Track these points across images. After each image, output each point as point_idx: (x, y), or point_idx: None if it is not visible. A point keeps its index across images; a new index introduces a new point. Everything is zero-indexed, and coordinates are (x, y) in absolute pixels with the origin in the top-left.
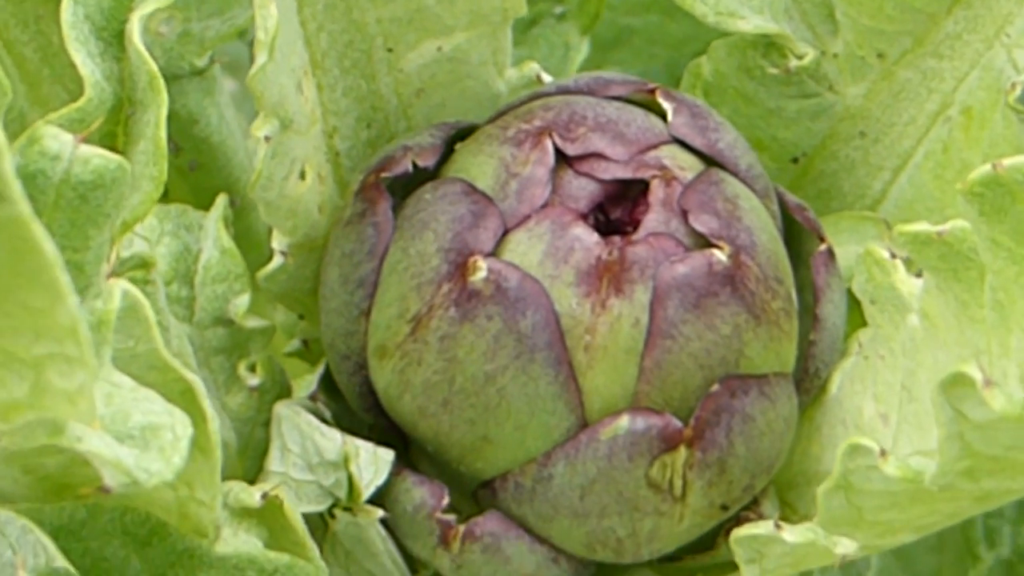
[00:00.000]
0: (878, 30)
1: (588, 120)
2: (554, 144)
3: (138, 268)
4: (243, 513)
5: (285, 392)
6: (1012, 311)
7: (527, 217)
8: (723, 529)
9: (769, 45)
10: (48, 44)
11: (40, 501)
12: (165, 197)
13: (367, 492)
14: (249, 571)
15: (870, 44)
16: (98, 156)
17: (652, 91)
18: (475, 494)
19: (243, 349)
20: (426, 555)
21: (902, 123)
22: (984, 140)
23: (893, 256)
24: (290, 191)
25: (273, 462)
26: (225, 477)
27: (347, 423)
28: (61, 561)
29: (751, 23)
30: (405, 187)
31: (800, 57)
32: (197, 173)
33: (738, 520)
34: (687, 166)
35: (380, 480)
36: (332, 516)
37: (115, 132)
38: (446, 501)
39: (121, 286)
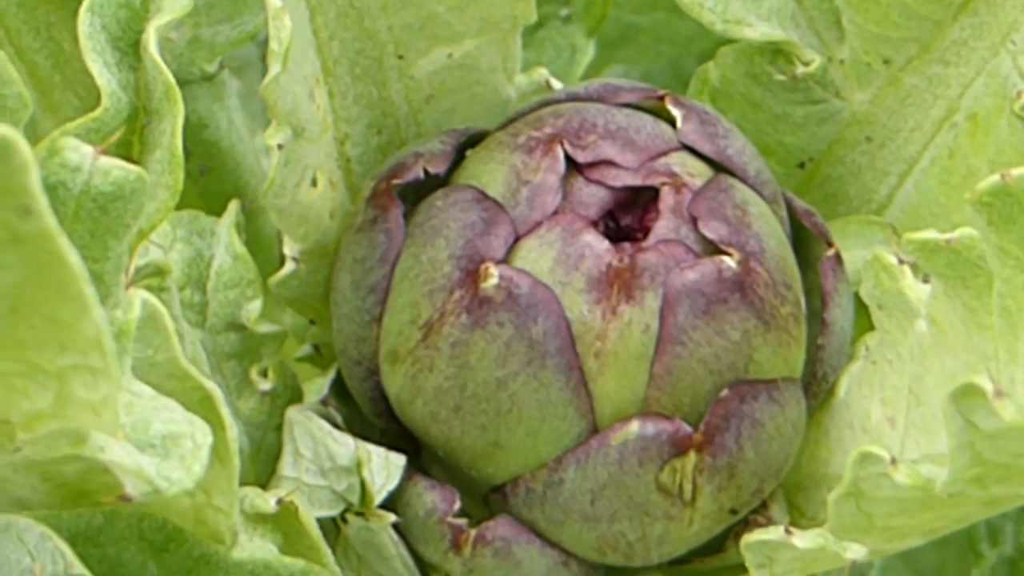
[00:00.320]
0: (884, 37)
1: (598, 127)
2: (564, 151)
3: (154, 276)
4: (258, 519)
5: (297, 397)
6: (1020, 318)
7: (538, 224)
8: (732, 532)
9: (776, 52)
10: (60, 51)
11: (58, 508)
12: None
13: (379, 497)
14: None
15: (876, 51)
16: (118, 168)
17: (661, 98)
18: (486, 499)
19: (255, 354)
20: (438, 559)
21: (908, 129)
22: (990, 146)
23: (901, 262)
24: (302, 198)
25: (286, 467)
26: (238, 481)
27: (358, 428)
28: (79, 567)
29: (758, 30)
30: (416, 193)
31: (807, 64)
32: (207, 177)
33: (747, 523)
34: (696, 173)
35: (392, 485)
36: (344, 521)
37: (131, 141)
38: (457, 506)
39: (140, 296)
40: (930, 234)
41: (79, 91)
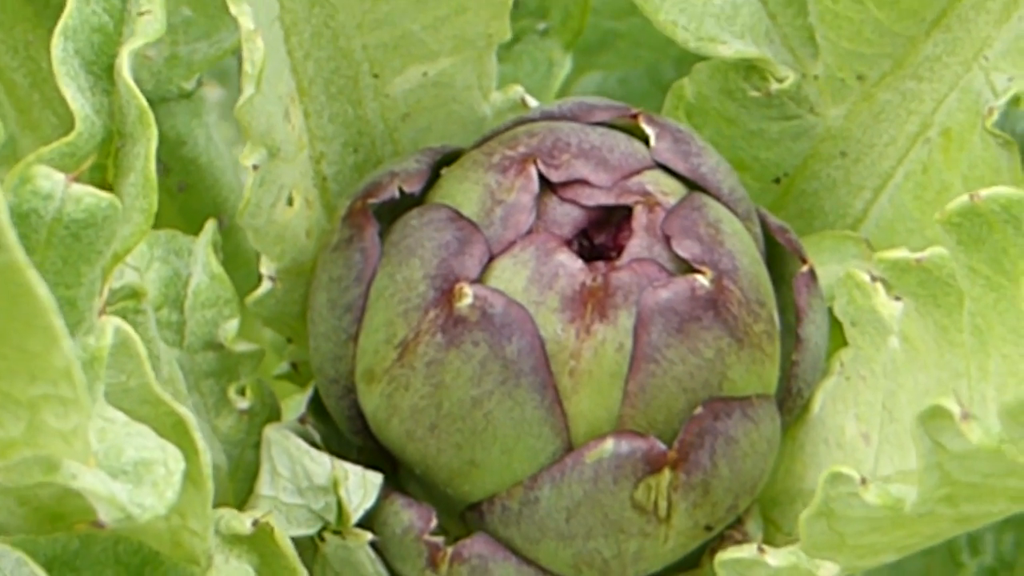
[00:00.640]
0: (858, 53)
1: (572, 146)
2: (538, 171)
3: (129, 298)
4: (234, 540)
5: (275, 415)
6: (990, 336)
7: (512, 243)
8: (708, 548)
9: (750, 68)
10: (38, 70)
11: (35, 532)
12: (154, 219)
13: (356, 515)
14: None
15: (850, 66)
16: (89, 195)
17: (635, 116)
18: (463, 516)
19: (233, 373)
20: None
21: (882, 144)
22: (963, 161)
23: (873, 279)
24: (278, 217)
25: (263, 486)
26: (216, 499)
27: (336, 446)
28: None
29: (732, 48)
30: (392, 212)
31: (781, 80)
32: (185, 194)
33: (723, 539)
34: (670, 191)
35: (369, 503)
36: (322, 539)
37: (105, 165)
38: (434, 523)
39: (113, 323)
40: (901, 253)
41: (58, 109)
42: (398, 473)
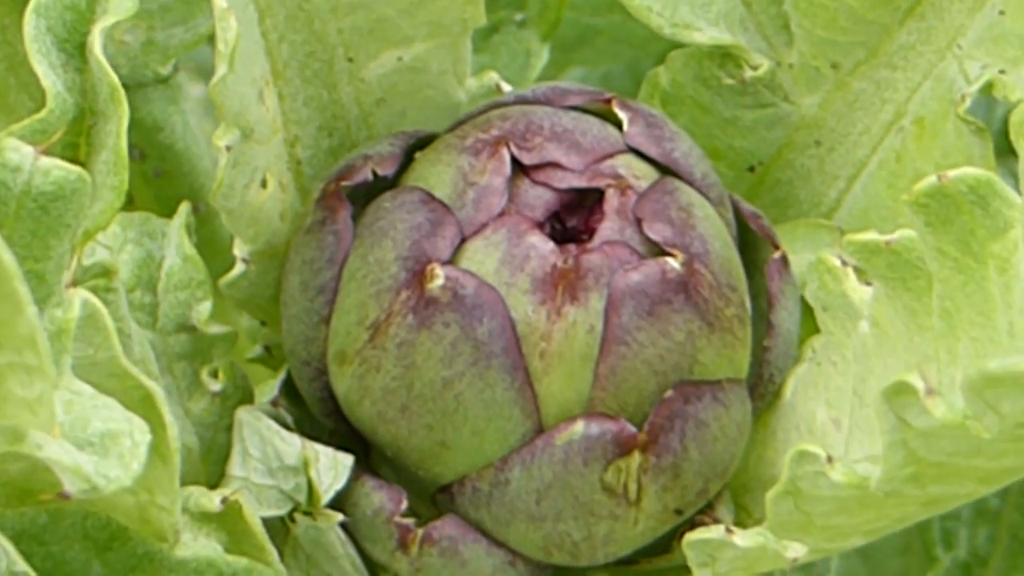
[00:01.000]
0: (832, 41)
1: (544, 130)
2: (511, 153)
3: (100, 276)
4: (203, 518)
5: (247, 397)
6: (959, 319)
7: (484, 225)
8: (678, 533)
9: (725, 56)
10: (14, 53)
11: (2, 506)
12: (130, 204)
13: (327, 496)
14: (208, 574)
15: (824, 55)
16: (58, 168)
17: (608, 101)
18: (434, 498)
19: (206, 355)
20: (385, 559)
21: (856, 132)
22: (936, 150)
23: (844, 264)
24: (252, 199)
25: (234, 467)
26: (188, 481)
27: (308, 428)
28: (22, 565)
29: (706, 35)
30: (366, 195)
31: (755, 68)
32: (162, 180)
33: (693, 524)
34: (642, 175)
35: (339, 484)
36: (292, 520)
37: (77, 143)
38: (405, 505)
39: (80, 295)
40: (870, 236)
41: (34, 93)
42: (369, 455)
